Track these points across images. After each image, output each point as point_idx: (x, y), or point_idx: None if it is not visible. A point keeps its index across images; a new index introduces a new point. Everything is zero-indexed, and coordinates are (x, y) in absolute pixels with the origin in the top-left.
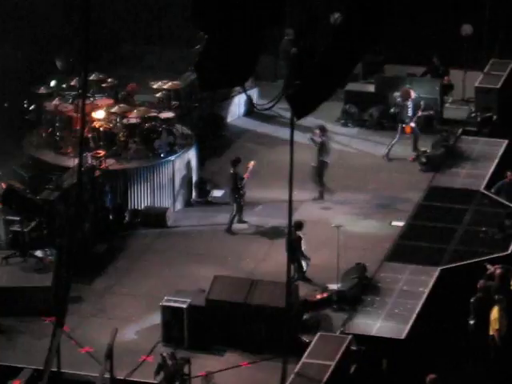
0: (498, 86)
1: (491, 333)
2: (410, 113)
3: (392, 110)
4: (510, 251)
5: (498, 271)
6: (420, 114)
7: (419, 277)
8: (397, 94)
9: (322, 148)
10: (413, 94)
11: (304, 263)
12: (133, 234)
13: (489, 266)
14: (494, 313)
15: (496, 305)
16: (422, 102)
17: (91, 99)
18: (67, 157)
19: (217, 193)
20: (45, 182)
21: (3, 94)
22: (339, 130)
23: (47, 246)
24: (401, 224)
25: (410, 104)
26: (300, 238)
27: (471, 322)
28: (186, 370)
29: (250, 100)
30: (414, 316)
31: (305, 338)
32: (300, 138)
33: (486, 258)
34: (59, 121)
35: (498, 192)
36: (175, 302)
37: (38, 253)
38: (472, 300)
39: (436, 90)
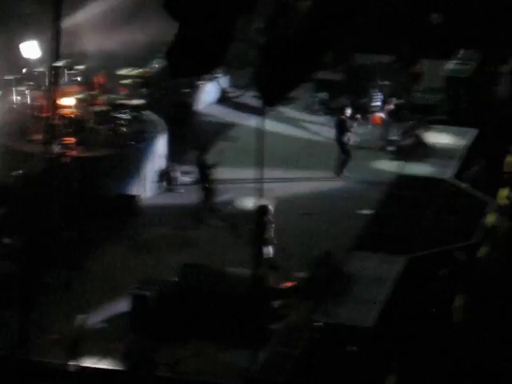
0: (467, 74)
1: (455, 321)
2: (379, 102)
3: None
4: (476, 240)
5: (464, 258)
6: (389, 106)
7: (387, 265)
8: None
9: None
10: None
11: (270, 250)
12: (102, 222)
13: (457, 254)
14: (458, 301)
15: (460, 293)
16: (390, 99)
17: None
18: (36, 144)
19: (186, 180)
20: (13, 169)
21: None
22: (309, 117)
23: (15, 234)
24: (369, 212)
25: (379, 94)
26: (266, 224)
27: (436, 309)
28: (153, 357)
29: (220, 87)
30: (382, 304)
31: (273, 326)
32: (270, 125)
33: (452, 247)
34: (28, 107)
35: (473, 181)
36: (144, 289)
37: (6, 240)
38: (435, 287)
39: (405, 78)
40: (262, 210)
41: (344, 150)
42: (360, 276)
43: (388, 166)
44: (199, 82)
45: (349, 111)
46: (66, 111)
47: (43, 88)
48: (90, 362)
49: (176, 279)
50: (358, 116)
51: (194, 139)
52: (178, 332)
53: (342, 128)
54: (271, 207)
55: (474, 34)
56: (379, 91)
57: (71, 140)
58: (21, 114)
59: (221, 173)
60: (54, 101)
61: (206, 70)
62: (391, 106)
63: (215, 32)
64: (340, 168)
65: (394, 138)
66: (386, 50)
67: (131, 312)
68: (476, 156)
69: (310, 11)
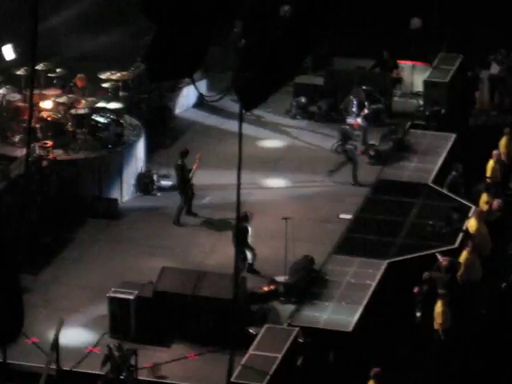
0: (447, 79)
1: (435, 327)
2: (354, 108)
3: (342, 106)
4: (457, 245)
5: (445, 263)
6: (365, 112)
7: (367, 269)
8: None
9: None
10: (361, 95)
11: (249, 255)
12: (80, 225)
13: (439, 257)
14: (438, 307)
15: (440, 298)
16: (366, 103)
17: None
18: (15, 147)
19: (165, 184)
20: None
21: None
22: (288, 122)
23: None
24: (349, 217)
25: (354, 100)
26: (246, 229)
27: (418, 314)
28: (132, 361)
29: (198, 91)
30: (362, 309)
31: (252, 330)
32: (248, 130)
33: (433, 252)
34: (6, 111)
35: (451, 186)
36: (122, 293)
37: None
38: (416, 291)
39: (385, 83)
40: (243, 216)
41: (349, 159)
42: (340, 280)
43: (367, 170)
44: (178, 86)
45: (352, 120)
46: (45, 114)
47: (22, 91)
48: (68, 366)
49: (155, 282)
50: (364, 124)
51: (172, 143)
52: (156, 336)
53: (346, 137)
54: (251, 212)
55: (453, 38)
56: (356, 96)
57: (50, 143)
58: None
59: (199, 177)
60: (33, 104)
61: (184, 74)
62: (366, 111)
63: (194, 35)
64: (353, 177)
65: (373, 142)
66: (366, 55)
67: (110, 315)
68: (454, 161)
69: (289, 15)
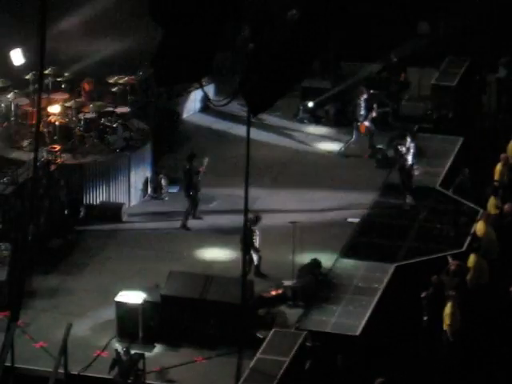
0: (454, 83)
1: (444, 328)
2: (362, 111)
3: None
4: (464, 248)
5: (453, 267)
6: (374, 114)
7: (374, 273)
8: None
9: None
10: (365, 94)
11: (256, 258)
12: (88, 229)
13: (450, 260)
14: (447, 308)
15: (449, 300)
16: (374, 105)
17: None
18: (22, 151)
19: (172, 188)
20: (0, 176)
21: None
22: (295, 126)
23: (2, 241)
24: (356, 220)
25: (362, 103)
26: (253, 233)
27: (425, 317)
28: (140, 365)
29: (206, 96)
30: (369, 312)
31: (260, 334)
32: (256, 134)
33: (440, 255)
34: (14, 115)
35: (459, 189)
36: (130, 297)
37: None
38: (424, 295)
39: (392, 87)
40: (251, 219)
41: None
42: (348, 284)
43: (375, 174)
44: (185, 90)
45: (412, 147)
46: (52, 118)
47: (30, 95)
48: (76, 370)
49: (163, 286)
50: (372, 128)
51: (179, 147)
52: (164, 340)
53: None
54: (260, 216)
55: (460, 42)
56: (364, 100)
57: (58, 147)
58: (7, 121)
59: (207, 181)
60: (41, 108)
61: (192, 78)
62: (373, 114)
63: (202, 39)
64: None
65: (380, 146)
66: (374, 59)
67: (118, 319)
68: (462, 164)
69: (296, 19)
